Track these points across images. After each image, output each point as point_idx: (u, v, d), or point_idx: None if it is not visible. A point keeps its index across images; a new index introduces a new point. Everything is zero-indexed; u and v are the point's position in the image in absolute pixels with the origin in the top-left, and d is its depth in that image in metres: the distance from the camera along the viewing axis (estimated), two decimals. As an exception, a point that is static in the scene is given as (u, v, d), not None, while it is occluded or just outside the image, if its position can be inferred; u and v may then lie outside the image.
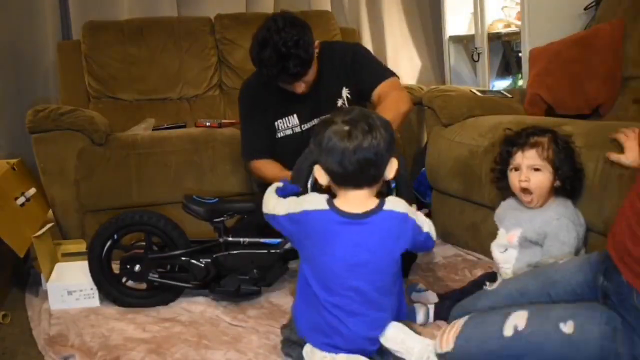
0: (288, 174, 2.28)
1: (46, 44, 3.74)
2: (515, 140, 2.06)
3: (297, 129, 2.58)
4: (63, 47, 3.65)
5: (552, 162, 1.98)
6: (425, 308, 2.09)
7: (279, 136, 2.60)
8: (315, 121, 2.52)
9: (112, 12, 3.79)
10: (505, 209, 2.15)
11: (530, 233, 1.99)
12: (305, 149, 2.40)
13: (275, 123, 2.59)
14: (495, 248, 2.11)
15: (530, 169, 2.00)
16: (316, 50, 2.44)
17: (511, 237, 2.05)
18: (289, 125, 2.58)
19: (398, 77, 2.60)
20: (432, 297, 2.20)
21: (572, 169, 2.00)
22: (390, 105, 2.39)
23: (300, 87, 2.45)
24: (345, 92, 2.56)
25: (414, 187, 3.21)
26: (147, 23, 3.68)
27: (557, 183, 1.99)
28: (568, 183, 1.99)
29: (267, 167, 2.57)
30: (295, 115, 2.57)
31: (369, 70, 2.57)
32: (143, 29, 3.63)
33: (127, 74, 3.58)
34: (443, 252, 2.75)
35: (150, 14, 3.83)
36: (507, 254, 2.06)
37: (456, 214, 2.80)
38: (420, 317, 2.07)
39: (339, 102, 2.55)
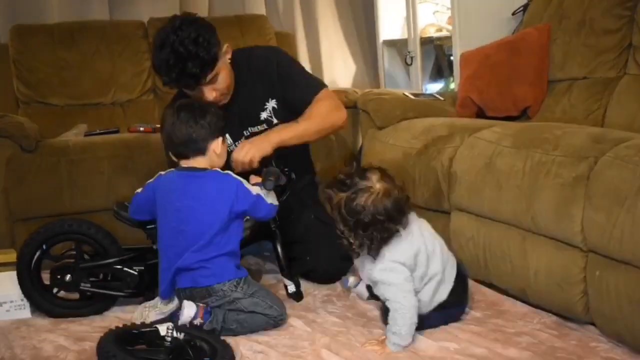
0: None
1: (-28, 49, 3.63)
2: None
3: (232, 147, 2.40)
4: (-11, 51, 3.55)
5: (339, 221, 1.95)
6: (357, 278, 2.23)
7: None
8: (244, 135, 2.43)
9: (41, 15, 3.70)
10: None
11: (366, 280, 2.07)
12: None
13: None
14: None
15: None
16: (227, 56, 2.32)
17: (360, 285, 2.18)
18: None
19: (327, 86, 2.52)
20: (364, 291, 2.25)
21: (361, 233, 1.92)
22: (318, 111, 2.39)
23: (211, 94, 2.26)
24: (271, 103, 2.45)
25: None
26: (78, 26, 3.62)
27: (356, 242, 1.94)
28: (369, 242, 1.93)
29: None
30: (227, 135, 2.35)
31: (299, 84, 2.45)
32: (74, 33, 3.57)
33: (58, 79, 3.50)
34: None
35: (81, 18, 3.76)
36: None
37: (391, 215, 2.83)
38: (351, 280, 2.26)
39: (263, 115, 2.45)
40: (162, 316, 2.12)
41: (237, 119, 2.42)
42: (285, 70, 2.46)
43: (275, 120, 2.46)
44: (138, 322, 2.08)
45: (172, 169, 2.17)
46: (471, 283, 2.23)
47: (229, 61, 2.35)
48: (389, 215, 1.89)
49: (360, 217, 1.89)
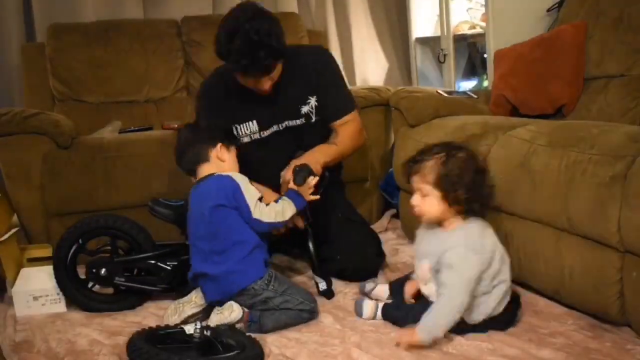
0: None
1: (10, 47, 3.69)
2: (409, 164, 2.01)
3: (256, 136, 2.46)
4: (27, 50, 3.61)
5: (439, 186, 1.91)
6: (374, 304, 2.14)
7: (243, 141, 2.47)
8: (274, 128, 2.45)
9: (76, 14, 3.75)
10: (421, 233, 2.09)
11: (435, 265, 1.94)
12: (265, 156, 2.41)
13: (234, 127, 2.46)
14: (420, 283, 2.06)
15: (419, 194, 1.96)
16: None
17: (423, 272, 2.00)
18: (247, 131, 2.46)
19: (357, 107, 2.58)
20: (383, 291, 2.25)
21: (468, 189, 1.90)
22: (352, 134, 2.50)
23: (267, 84, 2.29)
24: (313, 100, 2.46)
25: (382, 188, 3.22)
26: (113, 25, 3.65)
27: (456, 206, 1.92)
28: (469, 204, 1.92)
29: None
30: (254, 122, 2.44)
31: (337, 98, 2.50)
32: (109, 31, 3.61)
33: (93, 77, 3.54)
34: (411, 252, 2.76)
35: (115, 17, 3.80)
36: (429, 288, 2.00)
37: (424, 214, 2.81)
38: (367, 311, 2.14)
39: (304, 109, 2.45)
40: (199, 309, 2.13)
41: (277, 110, 2.43)
42: (329, 80, 2.50)
43: (314, 118, 2.47)
44: (171, 318, 2.10)
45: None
46: None
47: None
48: (484, 173, 1.96)
49: (465, 172, 1.91)
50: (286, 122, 2.46)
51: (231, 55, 2.20)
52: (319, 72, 2.47)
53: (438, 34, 3.87)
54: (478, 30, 3.71)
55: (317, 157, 2.37)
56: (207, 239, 2.12)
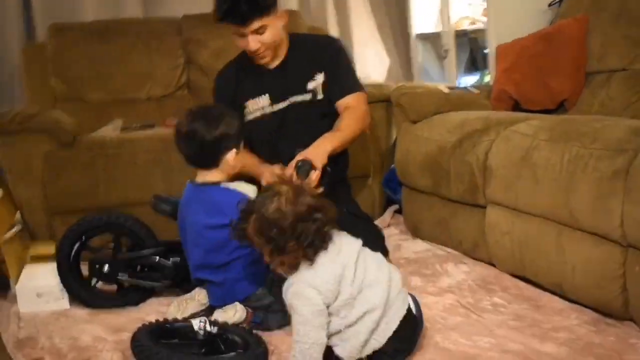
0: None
1: (10, 47, 3.68)
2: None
3: (268, 109, 2.49)
4: (28, 50, 3.60)
5: (268, 245, 1.70)
6: None
7: (249, 118, 2.50)
8: (285, 103, 2.48)
9: (77, 14, 3.75)
10: None
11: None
12: (274, 132, 2.45)
13: (247, 103, 2.50)
14: None
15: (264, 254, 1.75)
16: (281, 22, 2.39)
17: None
18: (259, 105, 2.49)
19: (365, 91, 2.57)
20: None
21: (296, 237, 1.67)
22: (357, 117, 2.46)
23: (256, 44, 2.34)
24: (321, 76, 2.49)
25: (384, 184, 3.23)
26: (114, 24, 3.65)
27: (286, 259, 1.71)
28: (303, 251, 1.68)
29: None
30: (266, 95, 2.49)
31: (341, 79, 2.52)
32: (110, 30, 3.60)
33: (94, 75, 3.54)
34: (414, 247, 2.78)
35: (116, 16, 3.80)
36: None
37: (425, 209, 2.82)
38: None
39: (311, 85, 2.48)
40: (202, 308, 2.13)
41: (284, 83, 2.48)
42: (336, 60, 2.53)
43: (320, 96, 2.49)
44: (175, 315, 2.10)
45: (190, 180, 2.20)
46: (472, 300, 2.17)
47: (282, 28, 2.42)
48: (313, 207, 1.69)
49: (282, 223, 1.66)
50: (294, 98, 2.48)
51: (217, 2, 2.31)
52: (331, 53, 2.53)
53: (439, 29, 3.87)
54: (479, 25, 3.70)
55: (323, 147, 2.35)
56: (209, 252, 2.11)
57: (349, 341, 1.71)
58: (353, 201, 2.68)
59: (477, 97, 3.05)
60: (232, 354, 1.83)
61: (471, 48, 4.01)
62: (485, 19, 3.54)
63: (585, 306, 2.03)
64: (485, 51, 3.61)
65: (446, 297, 2.22)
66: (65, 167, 2.81)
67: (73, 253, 2.32)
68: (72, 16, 3.72)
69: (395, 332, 1.73)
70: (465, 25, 3.79)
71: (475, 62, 4.03)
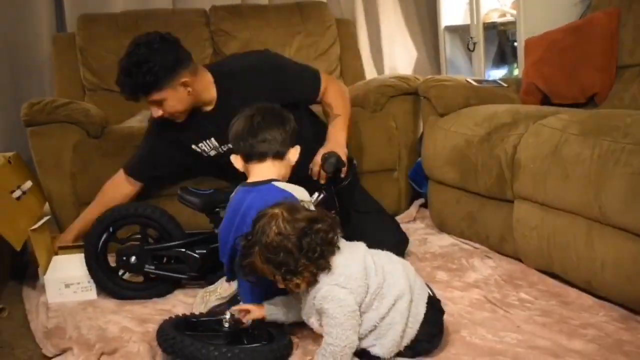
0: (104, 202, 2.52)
1: (41, 37, 3.73)
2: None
3: (222, 149, 2.49)
4: (58, 40, 3.64)
5: (274, 271, 1.70)
6: None
7: (211, 155, 2.53)
8: None
9: (106, 4, 3.78)
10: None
11: (318, 316, 1.73)
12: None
13: (197, 146, 2.52)
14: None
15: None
16: (187, 88, 2.33)
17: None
18: (211, 146, 2.51)
19: (319, 71, 2.59)
20: None
21: (305, 256, 1.66)
22: (339, 94, 2.54)
23: (156, 112, 2.37)
24: None
25: (411, 177, 3.21)
26: (142, 15, 3.67)
27: (301, 278, 1.69)
28: (315, 265, 1.67)
29: (109, 186, 2.62)
30: (212, 139, 2.48)
31: (300, 81, 2.52)
32: (138, 21, 3.62)
33: (123, 66, 3.56)
34: (439, 242, 2.76)
35: (144, 7, 3.82)
36: None
37: (452, 203, 2.80)
38: None
39: None
40: (223, 301, 2.14)
41: (225, 125, 2.25)
42: (278, 74, 2.48)
43: None
44: (199, 306, 2.11)
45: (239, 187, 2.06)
46: (498, 296, 2.18)
47: (188, 94, 2.36)
48: (311, 219, 1.69)
49: (286, 245, 1.65)
50: None
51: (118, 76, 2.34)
52: (267, 76, 2.45)
53: (467, 22, 3.83)
54: (508, 18, 3.66)
55: (338, 139, 2.39)
56: None
57: (386, 336, 1.71)
58: (361, 194, 2.65)
59: (506, 90, 3.01)
60: (257, 345, 1.84)
61: (500, 41, 3.97)
62: (514, 11, 3.50)
63: (615, 303, 2.00)
64: (515, 44, 3.57)
65: (472, 292, 2.20)
66: (94, 157, 2.83)
67: (100, 244, 2.35)
68: (102, 6, 3.76)
69: (424, 316, 1.74)
70: (495, 18, 3.75)
71: (504, 55, 3.99)
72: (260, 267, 1.71)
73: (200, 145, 2.52)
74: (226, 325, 1.86)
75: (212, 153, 2.54)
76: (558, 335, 1.85)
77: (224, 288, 2.17)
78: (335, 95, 2.54)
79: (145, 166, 2.62)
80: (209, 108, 2.47)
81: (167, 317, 1.96)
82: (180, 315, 1.98)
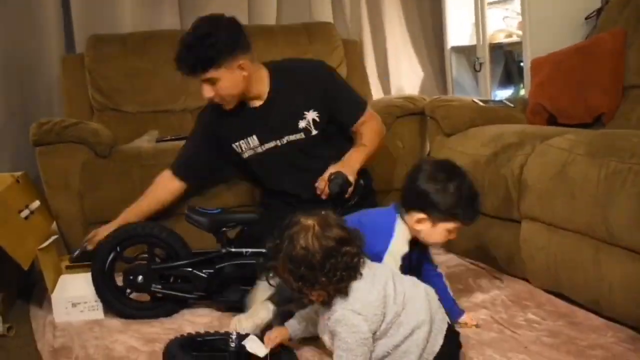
0: (153, 199, 2.57)
1: (50, 58, 3.75)
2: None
3: (259, 149, 2.52)
4: (67, 61, 3.66)
5: (295, 279, 1.68)
6: None
7: (246, 156, 2.56)
8: (275, 142, 2.49)
9: (115, 25, 3.81)
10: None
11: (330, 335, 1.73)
12: (272, 167, 2.50)
13: (236, 144, 2.54)
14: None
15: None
16: (243, 72, 2.37)
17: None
18: (250, 146, 2.53)
19: (367, 104, 2.65)
20: None
21: (326, 272, 1.65)
22: (376, 130, 2.57)
23: (208, 93, 2.39)
24: (311, 115, 2.48)
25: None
26: (150, 36, 3.69)
27: (317, 293, 1.69)
28: (335, 285, 1.66)
29: (159, 185, 2.61)
30: (254, 137, 2.51)
31: (347, 103, 2.56)
32: (146, 42, 3.65)
33: (131, 87, 3.58)
34: (446, 262, 2.75)
35: (153, 27, 3.85)
36: None
37: (459, 223, 2.79)
38: None
39: (302, 124, 2.48)
40: (256, 329, 2.05)
41: (274, 125, 2.48)
42: (334, 88, 2.55)
43: (314, 132, 2.50)
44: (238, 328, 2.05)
45: None
46: (505, 316, 2.15)
47: (243, 79, 2.40)
48: (341, 240, 1.67)
49: (310, 260, 1.64)
50: (286, 137, 2.50)
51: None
52: (321, 85, 2.52)
53: (474, 42, 3.84)
54: (514, 38, 3.68)
55: (351, 161, 2.41)
56: None
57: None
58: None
59: (513, 110, 3.02)
60: None
61: (506, 61, 3.98)
62: (520, 32, 3.51)
63: (622, 324, 1.99)
64: (521, 64, 3.58)
65: (479, 313, 2.20)
66: (102, 177, 2.84)
67: (107, 263, 2.35)
68: (111, 27, 3.77)
69: (440, 348, 1.72)
70: (501, 39, 3.76)
71: (510, 75, 4.00)
72: (281, 274, 1.71)
73: (240, 143, 2.54)
74: (232, 345, 1.86)
75: (247, 154, 2.55)
76: (566, 356, 1.84)
77: (260, 317, 2.09)
78: (369, 130, 2.55)
79: (189, 164, 2.63)
80: (257, 103, 2.50)
81: (173, 337, 1.95)
82: (186, 334, 1.97)
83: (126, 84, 3.57)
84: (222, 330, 2.01)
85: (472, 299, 2.33)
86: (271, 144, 2.51)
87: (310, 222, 1.68)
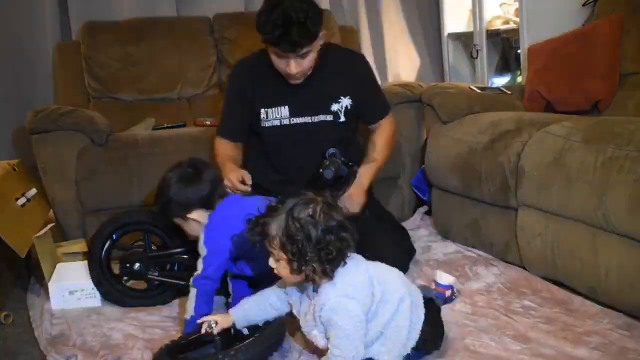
0: (230, 156, 2.47)
1: (45, 45, 3.74)
2: (258, 224, 1.72)
3: (286, 121, 2.48)
4: (62, 48, 3.66)
5: (285, 251, 1.64)
6: None
7: (265, 125, 2.49)
8: (306, 118, 2.47)
9: (111, 12, 3.79)
10: (294, 297, 1.82)
11: (321, 328, 1.71)
12: (287, 143, 2.47)
13: (264, 111, 2.48)
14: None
15: (273, 257, 1.69)
16: (321, 42, 2.36)
17: (312, 343, 1.78)
18: (277, 115, 2.47)
19: (391, 108, 2.67)
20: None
21: (317, 251, 1.63)
22: (388, 141, 2.59)
23: (297, 68, 2.32)
24: (346, 101, 2.49)
25: (414, 185, 3.21)
26: (147, 23, 3.68)
27: (309, 269, 1.64)
28: (321, 265, 1.64)
29: (220, 147, 2.55)
30: (286, 107, 2.46)
31: (375, 101, 2.60)
32: (142, 29, 3.64)
33: (127, 74, 3.58)
34: (443, 249, 2.76)
35: (149, 14, 3.83)
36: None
37: (456, 210, 2.80)
38: None
39: (334, 107, 2.48)
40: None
41: (309, 101, 2.46)
42: (367, 81, 2.58)
43: (342, 118, 2.49)
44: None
45: None
46: (502, 303, 2.17)
47: (322, 43, 2.39)
48: (342, 225, 1.66)
49: (310, 230, 1.62)
50: (316, 116, 2.48)
51: (267, 26, 2.25)
52: (358, 75, 2.54)
53: (471, 29, 3.84)
54: (511, 25, 3.67)
55: (362, 185, 2.46)
56: None
57: (391, 338, 1.71)
58: (375, 202, 2.67)
59: (510, 97, 3.02)
60: (251, 339, 1.82)
61: (503, 48, 3.98)
62: (517, 19, 3.51)
63: (619, 310, 2.00)
64: (518, 51, 3.58)
65: (476, 299, 2.20)
66: (98, 165, 2.83)
67: (104, 251, 2.35)
68: (107, 14, 3.77)
69: (425, 316, 1.76)
70: (498, 25, 3.75)
71: (507, 62, 4.00)
72: (272, 235, 1.65)
73: (268, 110, 2.49)
74: (215, 334, 1.84)
75: (275, 123, 2.48)
76: (562, 342, 1.85)
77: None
78: (384, 136, 2.58)
79: (236, 127, 2.57)
80: (301, 80, 2.45)
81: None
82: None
83: (122, 71, 3.57)
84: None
85: (468, 285, 2.34)
86: (302, 119, 2.48)
87: (319, 199, 1.68)
